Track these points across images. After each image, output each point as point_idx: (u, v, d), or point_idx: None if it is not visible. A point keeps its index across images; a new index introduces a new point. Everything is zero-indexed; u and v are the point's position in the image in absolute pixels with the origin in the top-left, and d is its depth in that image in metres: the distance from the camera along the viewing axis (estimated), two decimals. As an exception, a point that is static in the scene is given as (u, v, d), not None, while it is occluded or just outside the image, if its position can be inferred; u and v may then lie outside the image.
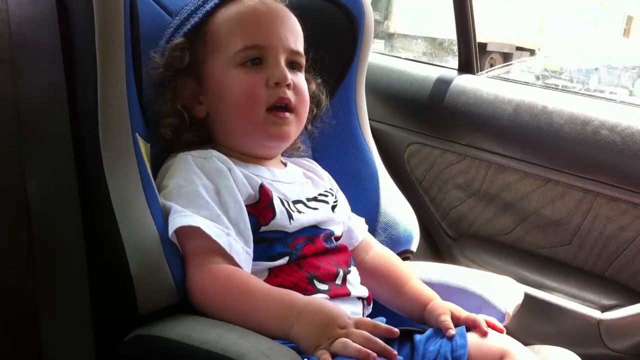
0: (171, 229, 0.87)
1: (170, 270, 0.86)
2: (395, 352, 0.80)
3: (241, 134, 1.00)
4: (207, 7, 1.00)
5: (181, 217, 0.87)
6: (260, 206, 0.94)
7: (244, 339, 0.77)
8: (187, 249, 0.88)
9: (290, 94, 0.99)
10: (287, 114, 0.99)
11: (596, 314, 1.42)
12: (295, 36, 1.02)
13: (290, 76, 0.99)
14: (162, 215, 0.89)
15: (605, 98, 1.57)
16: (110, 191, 0.85)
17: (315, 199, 1.04)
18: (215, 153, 0.96)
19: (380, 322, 0.97)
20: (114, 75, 0.88)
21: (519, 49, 6.39)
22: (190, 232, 0.87)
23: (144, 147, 0.92)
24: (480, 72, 1.73)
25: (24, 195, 0.83)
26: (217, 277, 0.86)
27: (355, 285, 1.01)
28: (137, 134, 0.90)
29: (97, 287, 0.88)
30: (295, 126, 1.02)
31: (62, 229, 0.87)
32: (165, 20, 1.12)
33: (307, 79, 1.09)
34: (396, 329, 0.84)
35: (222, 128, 1.01)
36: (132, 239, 0.84)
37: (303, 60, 1.04)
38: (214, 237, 0.86)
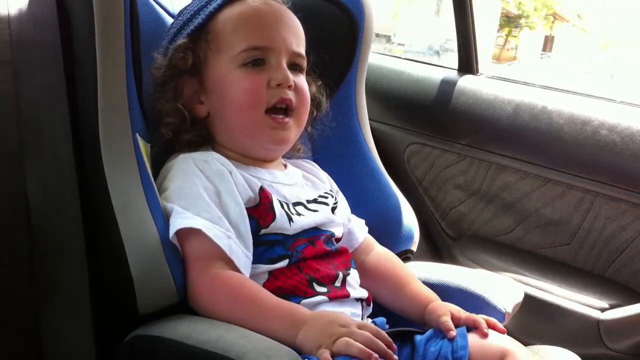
0: (172, 230, 0.87)
1: (171, 270, 0.86)
2: (396, 357, 0.81)
3: (241, 134, 1.00)
4: (211, 7, 1.00)
5: (182, 219, 0.87)
6: (261, 209, 0.94)
7: (244, 339, 0.77)
8: (188, 250, 0.88)
9: (291, 95, 0.99)
10: (287, 119, 0.99)
11: (596, 314, 1.41)
12: (297, 38, 1.03)
13: (292, 77, 0.99)
14: (162, 216, 0.89)
15: (605, 98, 1.57)
16: (110, 191, 0.85)
17: (315, 200, 1.04)
18: (216, 155, 0.96)
19: (381, 322, 0.98)
20: (114, 75, 0.88)
21: (377, 35, 6.52)
22: (191, 234, 0.87)
23: (144, 148, 0.92)
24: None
25: (24, 195, 0.83)
26: (224, 283, 0.86)
27: (355, 286, 1.01)
28: (137, 134, 0.90)
29: (97, 287, 0.88)
30: (294, 130, 1.02)
31: (62, 229, 0.87)
32: (165, 21, 1.12)
33: (307, 81, 1.09)
34: (394, 347, 0.83)
35: (223, 128, 1.01)
36: (132, 239, 0.84)
37: (305, 62, 1.04)
38: (215, 239, 0.86)
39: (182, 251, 0.88)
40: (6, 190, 0.83)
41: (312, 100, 1.10)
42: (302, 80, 1.03)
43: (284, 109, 0.99)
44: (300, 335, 0.81)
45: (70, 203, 0.88)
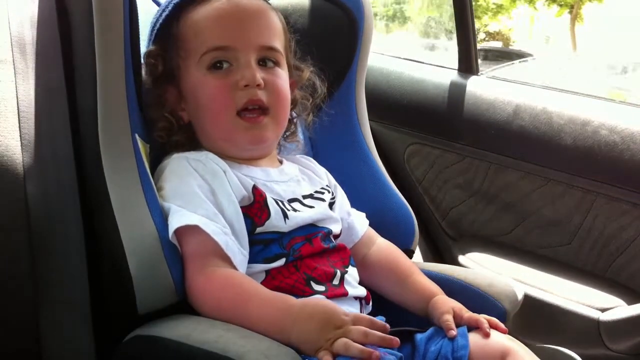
0: (170, 230, 0.87)
1: (170, 270, 0.86)
2: (397, 338, 0.81)
3: (218, 138, 0.99)
4: (174, 1, 0.99)
5: (179, 217, 0.87)
6: (255, 207, 0.94)
7: (244, 339, 0.77)
8: (186, 249, 0.88)
9: (262, 94, 0.96)
10: (261, 117, 0.97)
11: (596, 314, 1.41)
12: (268, 31, 1.00)
13: (263, 74, 0.97)
14: (161, 215, 0.89)
15: (605, 98, 1.57)
16: (110, 191, 0.85)
17: (311, 196, 1.04)
18: (210, 155, 0.96)
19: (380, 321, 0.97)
20: (113, 75, 0.88)
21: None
22: (189, 232, 0.87)
23: (143, 148, 0.92)
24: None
25: (23, 195, 0.83)
26: (215, 282, 0.86)
27: (354, 284, 1.00)
28: (136, 135, 0.90)
29: (97, 287, 0.88)
30: (272, 127, 0.99)
31: (62, 229, 0.87)
32: (165, 21, 1.12)
33: (299, 67, 1.08)
34: (396, 338, 0.82)
35: (202, 133, 1.00)
36: (131, 238, 0.84)
37: (279, 55, 1.01)
38: (212, 235, 0.86)
39: (181, 250, 0.88)
40: (6, 190, 0.83)
41: (306, 86, 1.09)
42: (277, 75, 1.00)
43: (256, 110, 0.97)
44: (295, 336, 0.80)
45: (70, 203, 0.88)
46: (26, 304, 0.83)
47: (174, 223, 0.87)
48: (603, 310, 1.42)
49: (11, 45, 0.89)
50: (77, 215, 0.88)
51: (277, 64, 1.01)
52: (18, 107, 0.86)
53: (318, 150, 1.25)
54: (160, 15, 1.01)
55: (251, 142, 0.98)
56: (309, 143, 1.25)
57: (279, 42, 1.02)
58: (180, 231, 0.87)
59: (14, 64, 0.88)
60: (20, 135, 0.85)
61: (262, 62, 0.99)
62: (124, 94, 0.89)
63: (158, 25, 1.00)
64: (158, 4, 1.13)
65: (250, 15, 0.99)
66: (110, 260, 0.86)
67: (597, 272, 1.48)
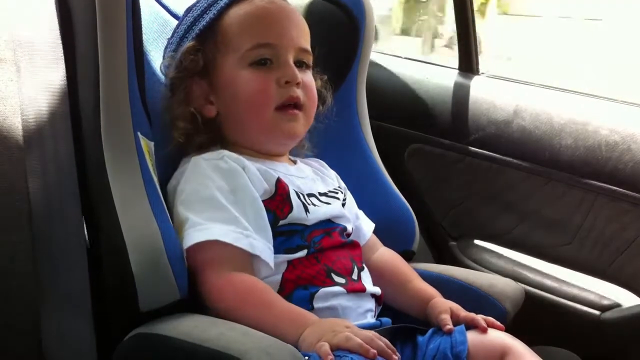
0: (187, 243, 0.88)
1: (172, 268, 0.86)
2: (397, 355, 0.81)
3: (253, 131, 1.01)
4: (222, 3, 1.01)
5: (197, 232, 0.88)
6: (277, 200, 0.96)
7: (245, 337, 0.78)
8: (204, 255, 0.89)
9: (299, 93, 1.00)
10: (297, 111, 1.01)
11: (596, 313, 1.41)
12: (303, 34, 1.04)
13: (300, 75, 1.00)
14: (164, 213, 0.89)
15: (606, 98, 1.57)
16: (112, 190, 0.85)
17: (326, 194, 1.06)
18: (226, 153, 0.97)
19: (386, 322, 0.99)
20: (116, 74, 0.88)
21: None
22: (208, 245, 0.88)
23: (146, 146, 0.92)
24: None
25: (25, 194, 0.83)
26: (237, 286, 0.87)
27: (368, 282, 1.02)
28: (138, 133, 0.90)
29: (98, 286, 0.88)
30: (303, 123, 1.03)
31: (63, 228, 0.87)
32: (167, 20, 1.12)
33: (313, 76, 1.10)
34: (398, 355, 0.84)
35: (234, 126, 1.02)
36: (133, 236, 0.84)
37: (311, 59, 1.06)
38: (235, 244, 0.88)
39: (198, 259, 0.89)
40: (7, 189, 0.83)
41: (318, 95, 1.11)
42: (308, 76, 1.04)
43: (292, 106, 1.01)
44: (305, 332, 0.82)
45: (71, 202, 0.88)
46: (27, 303, 0.83)
47: (192, 238, 0.88)
48: (603, 309, 1.42)
49: (12, 44, 0.89)
50: (78, 214, 0.88)
51: (308, 67, 1.05)
52: (19, 106, 0.86)
53: (319, 150, 1.25)
54: (202, 16, 1.02)
55: (287, 134, 1.02)
56: (310, 142, 1.25)
57: (309, 46, 1.05)
58: (199, 245, 0.88)
59: (15, 63, 0.88)
60: (22, 135, 0.85)
61: (297, 64, 1.02)
62: (126, 92, 0.89)
63: (201, 26, 1.02)
64: (160, 4, 1.14)
65: (291, 17, 1.03)
66: (111, 258, 0.86)
67: (597, 271, 1.48)
